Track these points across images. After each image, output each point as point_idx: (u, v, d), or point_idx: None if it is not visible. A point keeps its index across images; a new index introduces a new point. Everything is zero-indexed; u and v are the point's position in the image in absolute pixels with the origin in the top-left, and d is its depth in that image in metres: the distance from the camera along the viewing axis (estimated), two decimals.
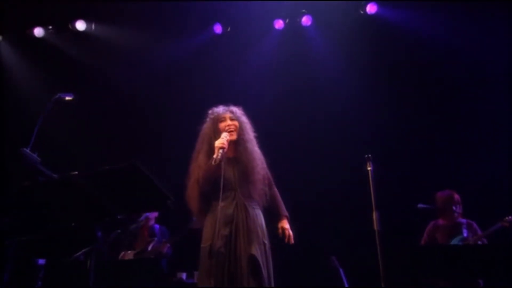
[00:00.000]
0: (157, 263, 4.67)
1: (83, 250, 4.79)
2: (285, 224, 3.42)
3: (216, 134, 3.36)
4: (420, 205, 4.75)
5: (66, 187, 2.21)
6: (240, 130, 3.41)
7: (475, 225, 4.62)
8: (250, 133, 3.47)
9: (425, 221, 4.85)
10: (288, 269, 5.68)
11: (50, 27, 6.96)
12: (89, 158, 6.09)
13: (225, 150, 3.20)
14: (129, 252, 5.42)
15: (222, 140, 3.23)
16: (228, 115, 3.45)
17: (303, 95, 6.51)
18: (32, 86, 6.77)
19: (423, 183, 5.66)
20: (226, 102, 6.26)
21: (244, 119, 3.51)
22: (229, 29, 6.98)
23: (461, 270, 3.88)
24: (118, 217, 2.45)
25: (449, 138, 5.95)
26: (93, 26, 6.99)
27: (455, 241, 4.53)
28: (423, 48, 6.18)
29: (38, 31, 6.94)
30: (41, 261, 5.24)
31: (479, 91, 5.97)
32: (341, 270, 5.28)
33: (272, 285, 3.14)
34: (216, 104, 6.13)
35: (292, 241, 3.34)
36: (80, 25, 6.92)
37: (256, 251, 3.09)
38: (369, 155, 3.36)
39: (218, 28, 6.96)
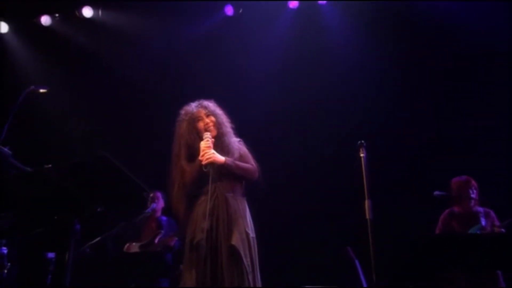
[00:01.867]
0: (162, 257, 4.80)
1: (89, 243, 4.99)
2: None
3: (193, 135, 3.43)
4: (436, 193, 4.67)
5: (40, 181, 2.33)
6: (217, 125, 3.47)
7: (492, 213, 4.52)
8: (227, 125, 3.52)
9: (440, 209, 4.79)
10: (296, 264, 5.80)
11: (57, 14, 7.15)
12: (94, 147, 6.26)
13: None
14: (134, 244, 5.55)
15: (208, 143, 3.32)
16: (203, 112, 3.48)
17: (317, 78, 6.50)
18: (40, 76, 6.98)
19: (424, 172, 5.67)
20: (236, 86, 6.43)
21: (219, 111, 3.54)
22: (240, 11, 6.98)
23: (479, 260, 3.84)
24: (98, 210, 2.56)
25: (455, 126, 5.89)
26: (100, 12, 7.14)
27: (472, 231, 4.45)
28: (440, 30, 6.14)
29: (45, 20, 7.12)
30: (51, 255, 5.47)
31: (487, 78, 5.91)
32: (356, 261, 5.31)
33: (257, 276, 3.21)
34: (228, 89, 6.28)
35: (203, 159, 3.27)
36: (87, 12, 7.08)
37: (236, 241, 3.17)
38: (362, 142, 3.36)
39: (229, 10, 6.98)
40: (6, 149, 2.78)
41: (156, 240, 5.49)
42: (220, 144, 3.41)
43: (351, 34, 6.49)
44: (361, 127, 5.92)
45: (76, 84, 7.10)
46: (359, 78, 6.31)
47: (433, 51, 6.22)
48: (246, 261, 3.15)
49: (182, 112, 3.55)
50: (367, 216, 3.17)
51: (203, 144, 3.32)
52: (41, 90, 3.99)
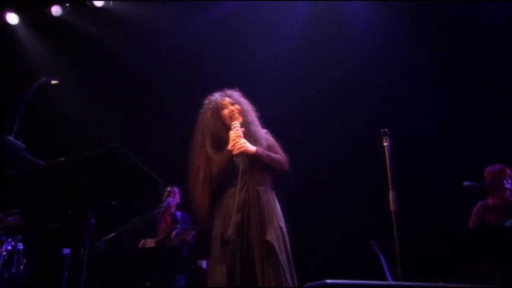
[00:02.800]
0: (178, 251, 4.85)
1: (104, 239, 5.07)
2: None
3: (218, 124, 3.42)
4: (466, 183, 4.59)
5: (53, 174, 2.37)
6: (243, 113, 3.46)
7: None
8: (252, 114, 3.51)
9: (471, 201, 4.74)
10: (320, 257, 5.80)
11: (67, 4, 7.23)
12: (107, 139, 6.32)
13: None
14: (149, 240, 5.63)
15: (238, 132, 3.29)
16: (227, 100, 3.49)
17: (336, 64, 6.46)
18: (51, 68, 7.09)
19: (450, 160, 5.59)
20: (252, 75, 6.41)
21: (243, 100, 3.55)
22: None
23: None
24: (112, 203, 2.59)
25: (484, 114, 5.82)
26: (111, 2, 7.21)
27: (510, 223, 4.37)
28: (465, 15, 6.07)
29: (56, 10, 7.21)
30: (66, 251, 5.57)
31: None
32: (381, 256, 5.29)
33: (293, 270, 3.17)
34: (245, 79, 6.27)
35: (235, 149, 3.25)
36: (98, 1, 7.15)
37: (271, 236, 3.13)
38: (386, 130, 3.33)
39: None
40: (19, 142, 2.82)
41: (173, 235, 5.55)
42: (246, 133, 3.38)
43: (371, 19, 6.44)
44: (384, 115, 5.87)
45: (88, 75, 7.18)
46: (380, 64, 6.25)
47: (457, 37, 6.15)
48: (282, 256, 3.12)
49: (206, 101, 3.56)
50: (392, 208, 3.15)
51: (233, 134, 3.30)
52: (53, 82, 4.05)
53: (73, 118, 7.23)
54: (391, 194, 3.18)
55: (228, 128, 3.39)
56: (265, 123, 3.61)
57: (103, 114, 7.14)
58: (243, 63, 6.61)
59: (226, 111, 3.45)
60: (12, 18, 7.21)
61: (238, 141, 3.26)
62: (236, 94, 3.56)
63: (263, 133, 3.49)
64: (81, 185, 2.40)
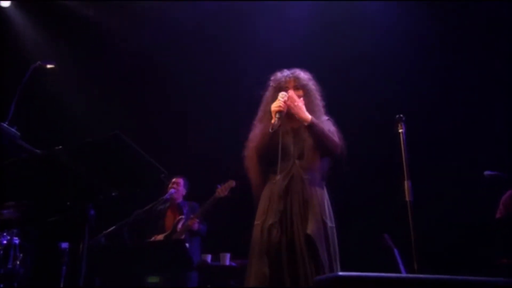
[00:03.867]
0: (181, 245, 4.85)
1: (104, 232, 5.10)
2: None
3: None
4: (487, 173, 4.58)
5: (51, 163, 2.37)
6: (305, 100, 3.32)
7: None
8: (317, 103, 3.39)
9: (491, 191, 4.72)
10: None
11: None
12: (106, 126, 6.33)
13: (283, 112, 3.20)
14: (160, 235, 5.64)
15: (279, 102, 3.19)
16: (292, 83, 3.37)
17: (349, 48, 6.44)
18: (46, 51, 7.08)
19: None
20: (261, 60, 6.38)
21: (311, 85, 3.42)
22: None
23: None
24: (113, 194, 2.60)
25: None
26: None
27: None
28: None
29: None
30: (64, 245, 5.60)
31: None
32: (395, 250, 5.30)
33: (337, 269, 3.09)
34: (253, 68, 6.25)
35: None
36: None
37: (312, 230, 3.04)
38: (401, 115, 3.30)
39: None
40: (13, 130, 2.82)
41: (179, 226, 5.55)
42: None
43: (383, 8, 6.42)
44: (401, 101, 5.85)
45: (87, 60, 7.18)
46: (395, 48, 6.23)
47: (471, 20, 6.12)
48: (323, 253, 3.03)
49: (272, 77, 3.46)
50: (407, 198, 3.13)
51: (273, 106, 3.21)
52: (48, 66, 4.06)
53: (70, 105, 7.23)
54: (406, 184, 3.16)
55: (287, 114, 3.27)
56: None
57: (103, 101, 7.15)
58: (250, 48, 6.58)
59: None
60: (3, 1, 7.18)
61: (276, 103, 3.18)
62: (305, 78, 3.42)
63: (326, 123, 3.36)
64: (80, 175, 2.40)
